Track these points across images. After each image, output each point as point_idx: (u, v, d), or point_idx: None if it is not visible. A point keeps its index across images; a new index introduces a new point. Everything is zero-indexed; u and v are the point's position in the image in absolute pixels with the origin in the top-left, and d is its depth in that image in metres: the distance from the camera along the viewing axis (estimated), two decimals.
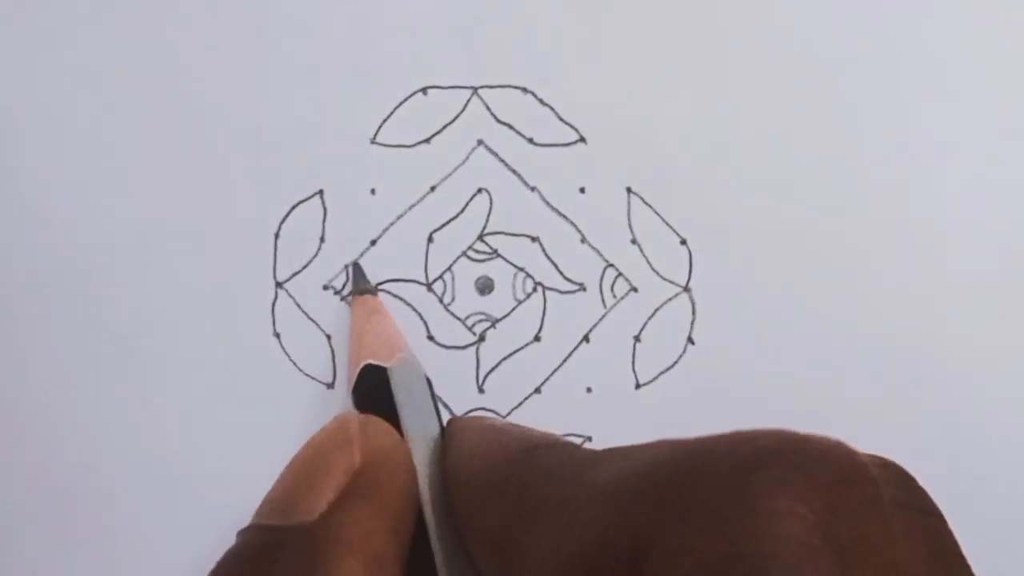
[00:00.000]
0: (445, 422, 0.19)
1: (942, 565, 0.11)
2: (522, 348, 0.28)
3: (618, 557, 0.12)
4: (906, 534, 0.11)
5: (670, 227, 0.27)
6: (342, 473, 0.15)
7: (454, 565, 0.16)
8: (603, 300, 0.27)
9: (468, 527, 0.16)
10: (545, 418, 0.28)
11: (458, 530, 0.16)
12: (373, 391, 0.19)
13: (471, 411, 0.28)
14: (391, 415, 0.18)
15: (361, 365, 0.21)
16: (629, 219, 0.27)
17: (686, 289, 0.27)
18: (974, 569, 0.12)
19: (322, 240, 0.28)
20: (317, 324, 0.28)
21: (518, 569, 0.14)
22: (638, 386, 0.27)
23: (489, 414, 0.28)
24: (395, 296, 0.28)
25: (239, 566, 0.14)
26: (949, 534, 0.12)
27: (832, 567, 0.11)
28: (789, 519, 0.11)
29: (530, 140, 0.27)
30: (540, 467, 0.15)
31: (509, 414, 0.28)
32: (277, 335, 0.28)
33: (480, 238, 0.28)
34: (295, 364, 0.28)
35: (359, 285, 0.27)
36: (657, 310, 0.27)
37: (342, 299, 0.28)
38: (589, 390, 0.28)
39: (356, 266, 0.27)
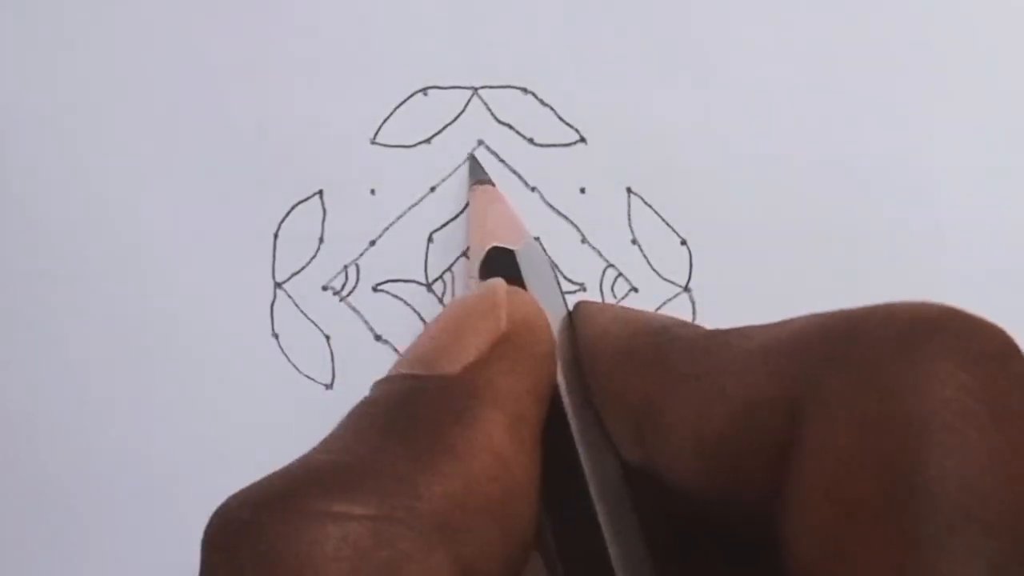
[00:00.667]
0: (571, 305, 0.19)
1: None
2: None
3: (774, 414, 0.13)
4: None
5: (670, 227, 0.27)
6: (488, 334, 0.15)
7: (587, 434, 0.16)
8: (603, 300, 0.27)
9: (606, 397, 0.16)
10: None
11: (592, 401, 0.16)
12: (500, 274, 0.19)
13: None
14: None
15: (487, 248, 0.21)
16: (629, 219, 0.27)
17: (686, 289, 0.27)
18: None
19: (321, 240, 0.28)
20: (316, 324, 0.28)
21: (662, 433, 0.14)
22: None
23: None
24: (395, 296, 0.28)
25: (381, 412, 0.14)
26: None
27: (991, 432, 0.11)
28: (950, 382, 0.11)
29: (530, 140, 0.27)
30: (681, 339, 0.15)
31: None
32: (276, 335, 0.28)
33: None
34: (293, 365, 0.28)
35: (476, 175, 0.27)
36: (657, 310, 0.27)
37: (344, 299, 0.28)
38: None
39: (473, 158, 0.27)
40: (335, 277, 0.28)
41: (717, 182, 0.27)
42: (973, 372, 0.11)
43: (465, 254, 0.28)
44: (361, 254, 0.28)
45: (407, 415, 0.14)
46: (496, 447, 0.14)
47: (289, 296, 0.28)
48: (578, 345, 0.17)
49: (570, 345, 0.18)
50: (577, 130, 0.27)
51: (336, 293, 0.28)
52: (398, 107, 0.27)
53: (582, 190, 0.27)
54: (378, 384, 0.16)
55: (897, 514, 0.11)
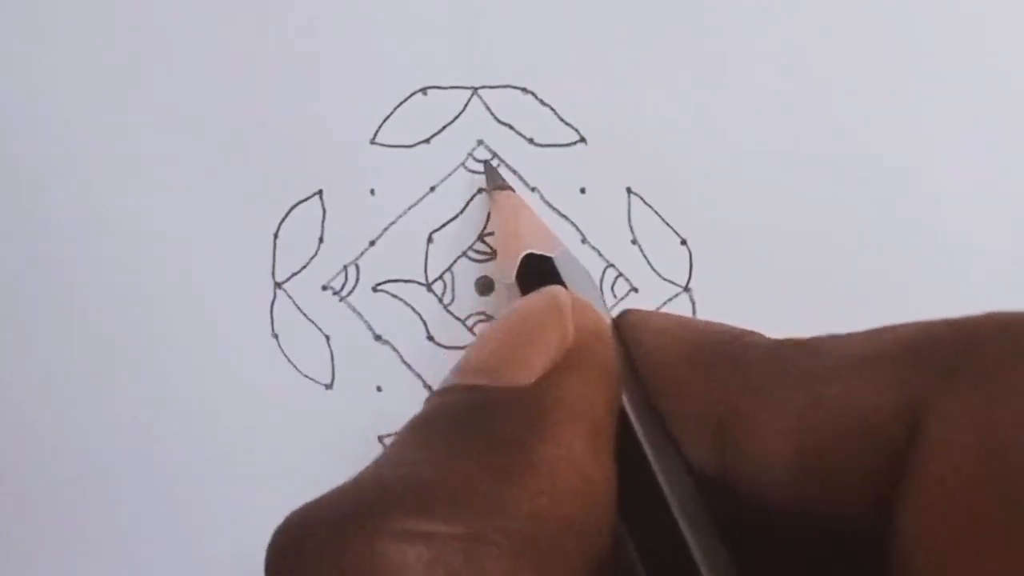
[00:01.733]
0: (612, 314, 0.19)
1: None
2: None
3: (888, 424, 0.12)
4: None
5: (670, 227, 0.27)
6: (557, 344, 0.15)
7: (654, 444, 0.16)
8: (603, 300, 0.27)
9: (676, 406, 0.15)
10: None
11: (655, 411, 0.16)
12: (538, 280, 0.19)
13: None
14: None
15: (523, 253, 0.21)
16: (629, 219, 0.27)
17: (686, 289, 0.27)
18: None
19: (321, 240, 0.28)
20: (316, 324, 0.28)
21: (750, 443, 0.14)
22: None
23: None
24: (394, 297, 0.28)
25: (448, 423, 0.14)
26: None
27: None
28: None
29: (530, 140, 0.27)
30: (758, 347, 0.15)
31: None
32: (276, 335, 0.28)
33: (480, 238, 0.28)
34: (293, 365, 0.28)
35: (495, 181, 0.26)
36: (659, 308, 0.27)
37: (344, 299, 0.28)
38: None
39: (488, 164, 0.27)
40: (335, 277, 0.28)
41: (717, 182, 0.27)
42: None
43: (466, 254, 0.28)
44: (361, 254, 0.28)
45: (482, 428, 0.13)
46: (578, 462, 0.13)
47: (289, 296, 0.28)
48: (633, 353, 0.17)
49: (621, 353, 0.17)
50: (577, 130, 0.27)
51: (336, 293, 0.28)
52: (398, 107, 0.27)
53: (582, 190, 0.27)
54: (437, 395, 0.15)
55: (1021, 527, 0.11)
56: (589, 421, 0.14)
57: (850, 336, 0.14)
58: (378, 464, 0.13)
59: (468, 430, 0.13)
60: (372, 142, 0.27)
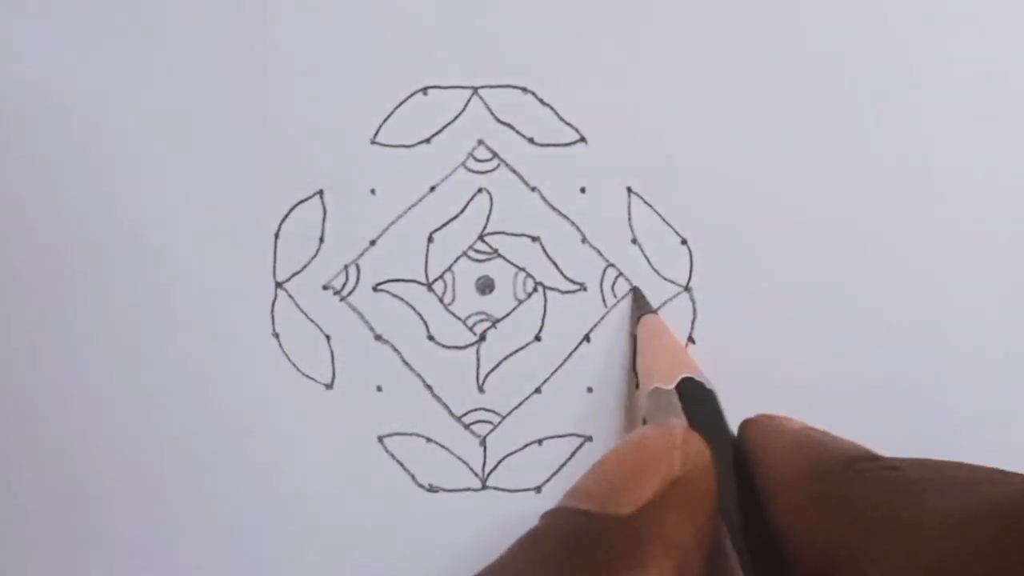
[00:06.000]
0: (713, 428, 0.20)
1: None
2: (522, 348, 0.28)
3: None
4: None
5: (671, 227, 0.27)
6: (662, 477, 0.16)
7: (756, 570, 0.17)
8: (604, 300, 0.27)
9: (789, 532, 0.16)
10: (545, 418, 0.27)
11: (769, 532, 0.17)
12: (698, 405, 0.21)
13: (471, 411, 0.28)
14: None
15: (650, 389, 0.23)
16: (629, 219, 0.27)
17: (686, 289, 0.27)
18: None
19: (322, 240, 0.28)
20: (316, 324, 0.28)
21: None
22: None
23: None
24: (395, 296, 0.28)
25: (554, 544, 0.15)
26: None
27: None
28: None
29: (530, 140, 0.27)
30: (873, 482, 0.15)
31: (509, 414, 0.28)
32: (276, 335, 0.28)
33: (480, 238, 0.28)
34: (294, 365, 0.28)
35: (641, 307, 0.27)
36: (658, 310, 0.27)
37: (344, 299, 0.28)
38: (590, 390, 0.27)
39: (636, 290, 0.27)
40: (335, 277, 0.28)
41: (717, 182, 0.27)
42: None
43: (467, 254, 0.28)
44: (361, 254, 0.28)
45: (581, 554, 0.15)
46: None
47: (290, 296, 0.28)
48: (753, 472, 0.18)
49: (740, 472, 0.18)
50: (577, 130, 0.27)
51: (336, 293, 0.28)
52: (398, 107, 0.27)
53: (582, 190, 0.27)
54: (549, 515, 0.16)
55: None
56: (679, 555, 0.15)
57: (957, 484, 0.14)
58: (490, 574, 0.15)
59: (568, 554, 0.15)
60: (372, 142, 0.27)
